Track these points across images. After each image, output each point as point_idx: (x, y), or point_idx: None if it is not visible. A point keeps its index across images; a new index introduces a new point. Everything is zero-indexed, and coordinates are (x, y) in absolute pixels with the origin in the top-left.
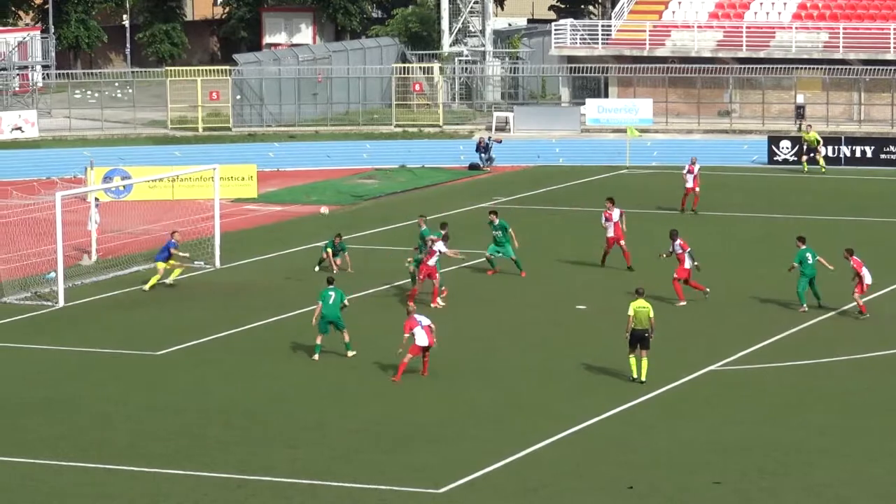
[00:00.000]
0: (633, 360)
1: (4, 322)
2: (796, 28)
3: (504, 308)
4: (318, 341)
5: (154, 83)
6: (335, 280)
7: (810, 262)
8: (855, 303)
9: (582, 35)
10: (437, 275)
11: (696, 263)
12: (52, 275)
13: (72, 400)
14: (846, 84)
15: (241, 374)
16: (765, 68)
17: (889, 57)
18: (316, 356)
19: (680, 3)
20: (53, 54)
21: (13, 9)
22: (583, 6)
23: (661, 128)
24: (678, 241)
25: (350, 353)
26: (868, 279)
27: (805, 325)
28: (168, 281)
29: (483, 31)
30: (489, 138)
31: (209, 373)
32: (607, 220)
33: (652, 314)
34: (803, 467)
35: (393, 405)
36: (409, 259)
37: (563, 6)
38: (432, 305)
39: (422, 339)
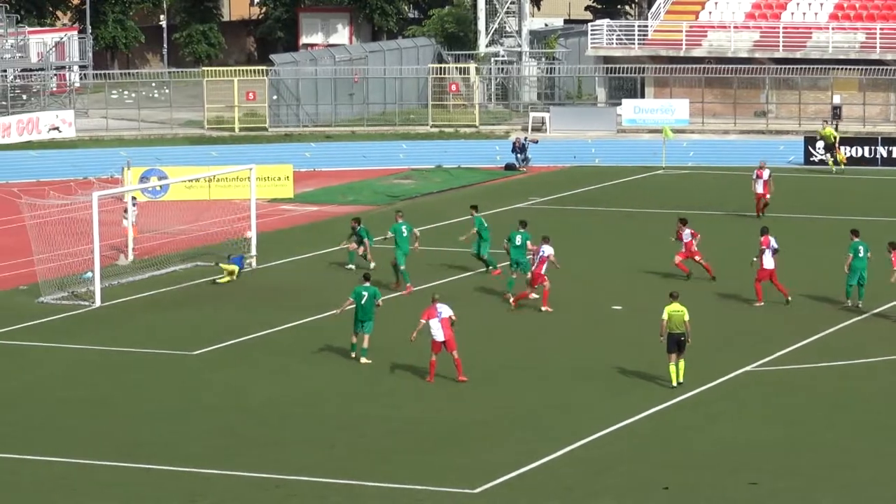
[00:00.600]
0: (672, 367)
1: (41, 322)
2: (833, 28)
3: (537, 308)
4: (354, 340)
5: (191, 83)
6: (371, 277)
7: (861, 255)
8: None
9: (618, 35)
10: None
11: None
12: (89, 275)
13: (108, 400)
14: (883, 84)
15: (278, 373)
16: (801, 69)
17: None
18: (353, 354)
19: (716, 3)
20: (91, 54)
21: (51, 9)
22: (619, 6)
23: (697, 128)
24: (761, 239)
25: (364, 360)
26: None
27: (841, 325)
28: (220, 280)
29: (519, 32)
30: (525, 138)
31: (245, 373)
32: (678, 238)
33: (687, 318)
34: (839, 468)
35: (429, 406)
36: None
37: (599, 6)
38: (543, 308)
39: (437, 332)
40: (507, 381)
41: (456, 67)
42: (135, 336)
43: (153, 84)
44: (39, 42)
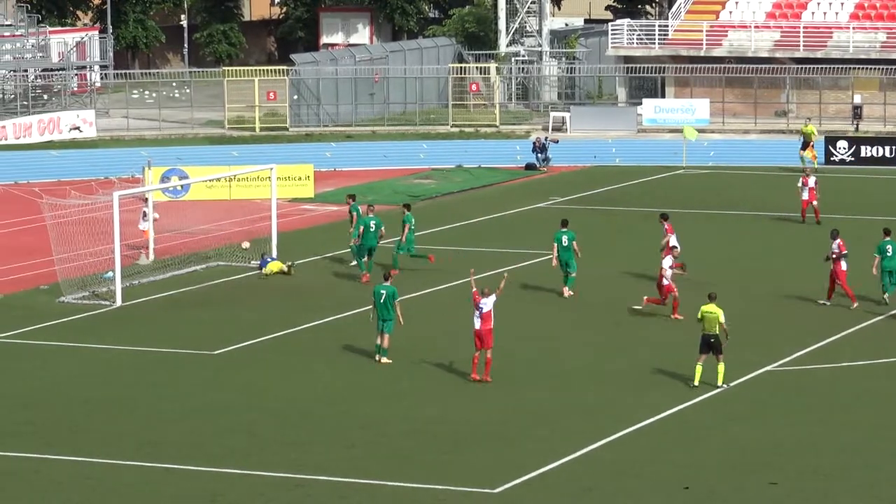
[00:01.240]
0: (699, 368)
1: (62, 321)
2: (854, 28)
3: (559, 308)
4: (378, 341)
5: (211, 83)
6: (390, 276)
7: (889, 253)
8: None
9: (639, 35)
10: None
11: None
12: (110, 274)
13: (128, 399)
14: None
15: (298, 373)
16: (822, 68)
17: None
18: (377, 357)
19: (737, 3)
20: (111, 54)
21: (72, 9)
22: (640, 6)
23: (717, 128)
24: (837, 242)
25: (384, 360)
26: None
27: (862, 325)
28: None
29: (540, 31)
30: (546, 138)
31: (266, 372)
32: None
33: (722, 319)
34: (860, 468)
35: (449, 405)
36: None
37: (619, 6)
38: (674, 317)
39: (476, 321)
40: (527, 382)
41: (476, 67)
42: (155, 336)
43: (174, 84)
44: (60, 42)
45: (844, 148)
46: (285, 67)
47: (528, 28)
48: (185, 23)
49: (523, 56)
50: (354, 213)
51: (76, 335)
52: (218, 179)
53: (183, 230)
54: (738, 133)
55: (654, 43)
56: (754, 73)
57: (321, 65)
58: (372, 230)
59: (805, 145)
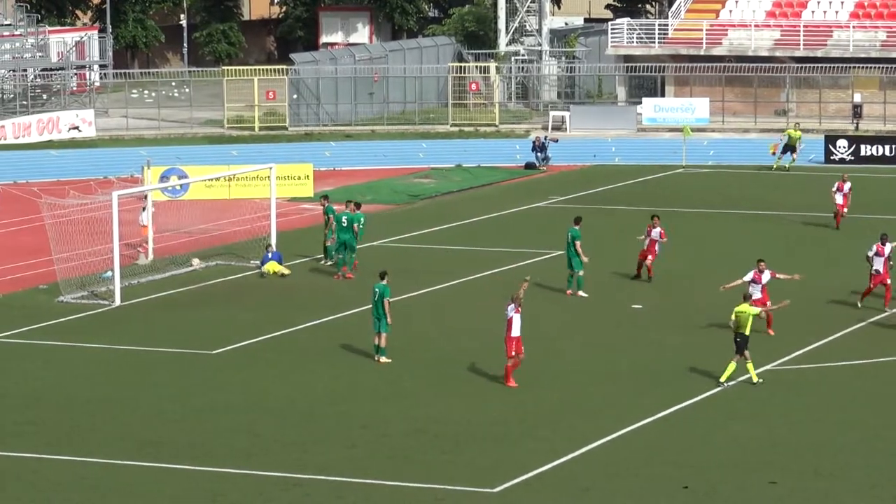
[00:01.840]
0: (731, 365)
1: (61, 321)
2: (854, 27)
3: (560, 307)
4: (376, 341)
5: (211, 82)
6: (386, 275)
7: None
8: None
9: (638, 34)
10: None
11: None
12: (109, 274)
13: (128, 399)
14: None
15: (298, 373)
16: (822, 67)
17: None
18: (376, 357)
19: (737, 2)
20: (111, 54)
21: (71, 8)
22: (640, 5)
23: (717, 127)
24: (875, 245)
25: (383, 359)
26: None
27: (861, 324)
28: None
29: (540, 31)
30: (545, 137)
31: (265, 372)
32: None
33: (755, 311)
34: (860, 467)
35: (449, 405)
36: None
37: (619, 5)
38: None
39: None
40: (527, 381)
41: (476, 66)
42: (155, 335)
43: (173, 83)
44: (59, 41)
45: (844, 147)
46: (285, 67)
47: (527, 27)
48: (184, 22)
49: (523, 55)
50: (330, 215)
51: (75, 335)
52: (217, 179)
53: (182, 230)
54: (737, 132)
55: (653, 42)
56: (754, 72)
57: (321, 64)
58: (344, 225)
59: (787, 149)
